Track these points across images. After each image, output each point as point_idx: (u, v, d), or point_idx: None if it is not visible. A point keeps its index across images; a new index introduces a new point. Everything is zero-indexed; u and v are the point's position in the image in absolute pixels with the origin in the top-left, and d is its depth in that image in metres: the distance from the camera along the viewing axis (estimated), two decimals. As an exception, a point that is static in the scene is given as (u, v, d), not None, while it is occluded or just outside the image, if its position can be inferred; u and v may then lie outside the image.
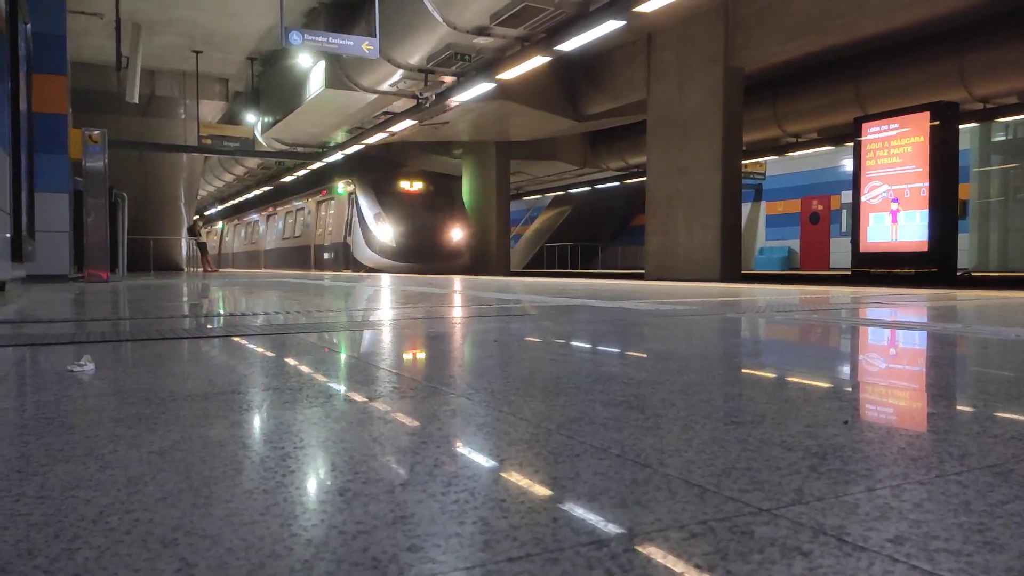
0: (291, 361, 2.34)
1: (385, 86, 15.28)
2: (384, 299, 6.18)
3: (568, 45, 11.30)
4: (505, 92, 14.68)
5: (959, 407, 1.66)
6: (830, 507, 0.92)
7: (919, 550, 0.78)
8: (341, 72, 15.63)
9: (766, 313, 4.32)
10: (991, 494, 0.99)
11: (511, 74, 12.64)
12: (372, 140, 18.43)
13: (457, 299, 5.98)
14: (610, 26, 10.48)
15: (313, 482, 1.06)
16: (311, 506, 0.94)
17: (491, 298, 5.98)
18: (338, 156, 21.03)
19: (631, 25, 11.42)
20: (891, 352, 2.80)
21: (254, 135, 20.60)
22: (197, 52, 18.20)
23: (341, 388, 1.85)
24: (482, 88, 13.56)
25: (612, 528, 0.85)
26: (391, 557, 0.76)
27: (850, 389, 1.94)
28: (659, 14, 11.25)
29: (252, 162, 26.32)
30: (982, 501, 0.96)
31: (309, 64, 16.84)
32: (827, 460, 1.15)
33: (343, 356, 2.51)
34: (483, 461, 1.16)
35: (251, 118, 20.91)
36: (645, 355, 2.50)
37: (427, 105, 14.82)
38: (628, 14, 10.12)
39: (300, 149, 22.05)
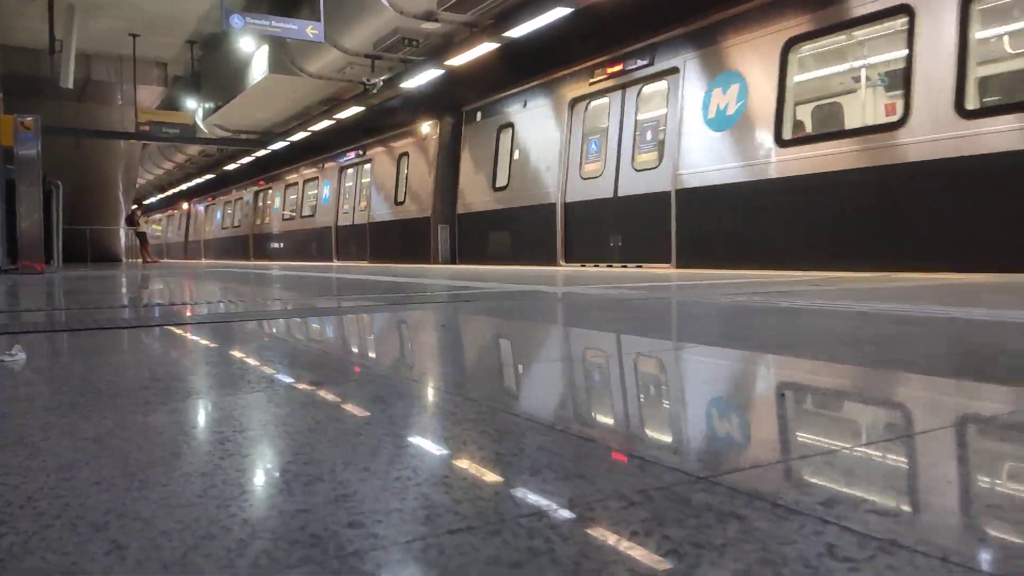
0: (231, 349, 2.29)
1: (331, 72, 15.04)
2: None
3: (517, 31, 11.27)
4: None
5: (897, 379, 1.71)
6: (765, 474, 0.94)
7: (849, 510, 0.80)
8: (286, 57, 15.32)
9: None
10: (921, 458, 1.03)
11: (459, 60, 12.55)
12: (318, 127, 18.13)
13: None
14: (558, 13, 10.48)
15: (252, 464, 1.04)
16: (250, 487, 0.93)
17: None
18: (283, 143, 20.60)
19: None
20: (834, 325, 2.87)
21: (195, 121, 20.07)
22: (134, 35, 17.61)
23: (284, 374, 1.82)
24: (430, 74, 13.44)
25: (553, 500, 0.86)
26: (331, 534, 0.75)
27: (789, 361, 1.99)
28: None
29: (194, 149, 25.64)
30: (910, 465, 0.99)
31: (252, 48, 16.45)
32: (764, 429, 1.18)
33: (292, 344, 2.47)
34: (428, 440, 1.16)
35: (192, 104, 20.37)
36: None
37: (374, 91, 14.65)
38: (574, 1, 10.13)
39: (244, 136, 21.57)
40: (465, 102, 13.72)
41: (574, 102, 10.91)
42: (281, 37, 12.54)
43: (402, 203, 15.41)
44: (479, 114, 13.32)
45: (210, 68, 19.16)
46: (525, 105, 11.88)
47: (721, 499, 0.85)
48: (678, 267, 8.99)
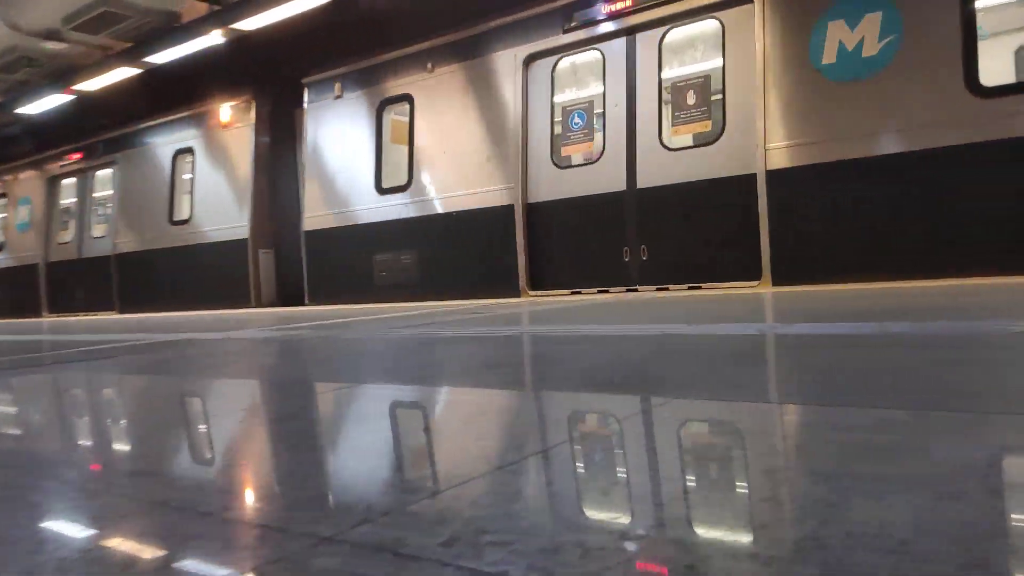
0: None
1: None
2: None
3: (160, 57, 10.42)
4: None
5: (524, 396, 1.82)
6: (394, 521, 0.91)
7: (468, 548, 0.80)
8: None
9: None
10: (539, 477, 1.08)
11: (93, 84, 11.23)
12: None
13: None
14: (207, 40, 9.90)
15: None
16: None
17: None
18: None
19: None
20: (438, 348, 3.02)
21: None
22: None
23: None
24: (56, 100, 11.83)
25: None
26: None
27: (424, 393, 2.03)
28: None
29: None
30: (532, 488, 1.03)
31: None
32: (398, 472, 1.15)
33: None
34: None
35: None
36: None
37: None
38: (226, 31, 9.67)
39: None
40: (307, 71, 9.70)
41: (531, 59, 7.82)
42: None
43: (184, 221, 10.91)
44: (338, 86, 9.39)
45: None
46: (431, 69, 8.47)
47: (344, 559, 0.79)
48: (775, 285, 6.12)
